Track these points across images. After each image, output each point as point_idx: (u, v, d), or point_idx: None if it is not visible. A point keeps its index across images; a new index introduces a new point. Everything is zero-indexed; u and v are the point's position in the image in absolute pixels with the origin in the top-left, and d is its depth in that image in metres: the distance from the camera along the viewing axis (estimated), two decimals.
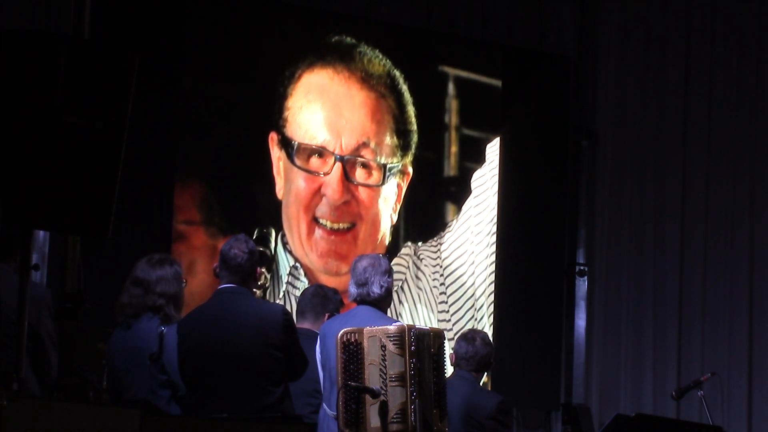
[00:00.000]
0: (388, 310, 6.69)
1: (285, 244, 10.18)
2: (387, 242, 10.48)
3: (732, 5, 11.54)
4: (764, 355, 11.19)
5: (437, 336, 6.30)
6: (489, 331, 10.69)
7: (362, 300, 6.46)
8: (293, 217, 10.21)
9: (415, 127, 10.67)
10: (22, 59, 4.94)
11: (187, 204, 9.79)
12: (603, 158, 11.30)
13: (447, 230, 10.88)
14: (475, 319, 10.89)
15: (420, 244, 10.74)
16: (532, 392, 10.80)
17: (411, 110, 10.66)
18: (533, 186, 11.06)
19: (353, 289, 6.47)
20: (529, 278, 10.91)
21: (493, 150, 11.08)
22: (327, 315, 6.88)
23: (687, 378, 10.40)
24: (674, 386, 10.43)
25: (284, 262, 10.13)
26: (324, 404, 6.37)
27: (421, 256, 10.72)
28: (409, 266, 10.66)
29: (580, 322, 11.08)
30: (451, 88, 11.00)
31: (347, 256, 10.02)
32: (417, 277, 10.68)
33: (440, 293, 10.72)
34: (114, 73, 5.09)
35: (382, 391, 6.04)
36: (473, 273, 10.89)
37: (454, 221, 10.90)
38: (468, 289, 10.83)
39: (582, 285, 11.12)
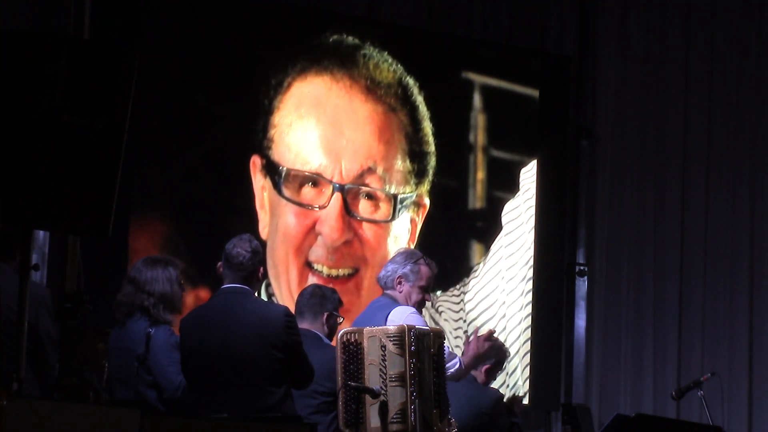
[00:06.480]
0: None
1: (270, 296, 8.65)
2: None
3: (733, 7, 11.54)
4: (764, 355, 11.20)
5: (437, 336, 6.34)
6: (525, 400, 9.59)
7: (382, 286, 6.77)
8: (281, 262, 8.70)
9: (432, 148, 9.31)
10: (22, 59, 4.96)
11: (145, 246, 8.27)
12: (603, 158, 11.30)
13: (472, 275, 9.47)
14: (507, 385, 9.40)
15: (439, 293, 9.29)
16: (532, 392, 10.78)
17: (428, 127, 9.30)
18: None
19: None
20: (529, 278, 10.86)
21: (528, 176, 9.80)
22: (326, 315, 6.89)
23: (687, 378, 10.40)
24: (674, 386, 10.43)
25: None
26: None
27: (441, 308, 9.32)
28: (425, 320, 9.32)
29: (580, 322, 11.06)
30: (477, 99, 9.60)
31: (349, 311, 7.93)
32: None
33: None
34: (114, 73, 5.11)
35: (382, 391, 6.06)
36: (504, 328, 9.52)
37: (481, 264, 9.53)
38: None
39: (582, 285, 11.10)
